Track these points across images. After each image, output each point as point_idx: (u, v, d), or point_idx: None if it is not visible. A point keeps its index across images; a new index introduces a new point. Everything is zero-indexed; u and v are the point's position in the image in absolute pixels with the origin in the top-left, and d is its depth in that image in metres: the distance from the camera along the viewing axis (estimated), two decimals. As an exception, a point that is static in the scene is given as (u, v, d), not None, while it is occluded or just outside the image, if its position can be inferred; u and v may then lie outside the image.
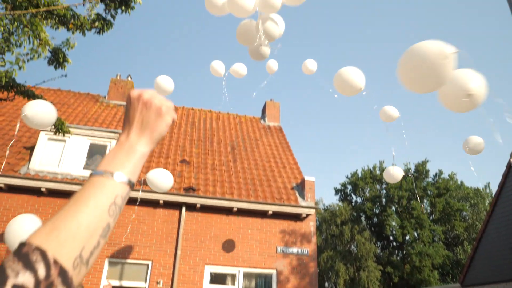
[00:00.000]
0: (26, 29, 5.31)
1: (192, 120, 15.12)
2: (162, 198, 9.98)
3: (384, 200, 33.68)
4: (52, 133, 7.37)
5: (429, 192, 32.89)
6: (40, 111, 4.74)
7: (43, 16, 5.30)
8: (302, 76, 55.67)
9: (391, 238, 32.80)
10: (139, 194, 9.04)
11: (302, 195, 11.34)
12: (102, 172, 0.70)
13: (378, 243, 33.73)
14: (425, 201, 33.20)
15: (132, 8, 5.42)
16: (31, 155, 10.51)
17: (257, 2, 7.08)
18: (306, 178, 11.63)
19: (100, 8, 5.60)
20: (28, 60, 5.49)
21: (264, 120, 16.43)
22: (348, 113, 58.98)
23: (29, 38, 5.30)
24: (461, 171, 53.40)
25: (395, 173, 7.56)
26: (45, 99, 6.72)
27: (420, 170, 33.59)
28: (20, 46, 5.39)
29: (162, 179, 7.55)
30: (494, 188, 30.15)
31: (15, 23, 5.23)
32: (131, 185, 0.73)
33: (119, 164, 0.72)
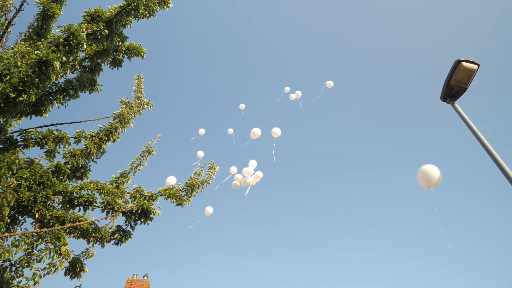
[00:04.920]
0: (49, 244, 5.54)
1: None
2: None
3: None
4: None
5: None
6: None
7: (67, 231, 5.60)
8: None
9: None
10: None
11: None
12: None
13: None
14: None
15: (151, 219, 5.74)
16: None
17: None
18: None
19: (120, 219, 5.97)
20: (44, 275, 5.52)
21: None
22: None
23: (50, 253, 5.47)
24: None
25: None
26: None
27: None
28: (40, 261, 5.51)
29: None
30: None
31: (40, 240, 5.48)
32: None
33: None
